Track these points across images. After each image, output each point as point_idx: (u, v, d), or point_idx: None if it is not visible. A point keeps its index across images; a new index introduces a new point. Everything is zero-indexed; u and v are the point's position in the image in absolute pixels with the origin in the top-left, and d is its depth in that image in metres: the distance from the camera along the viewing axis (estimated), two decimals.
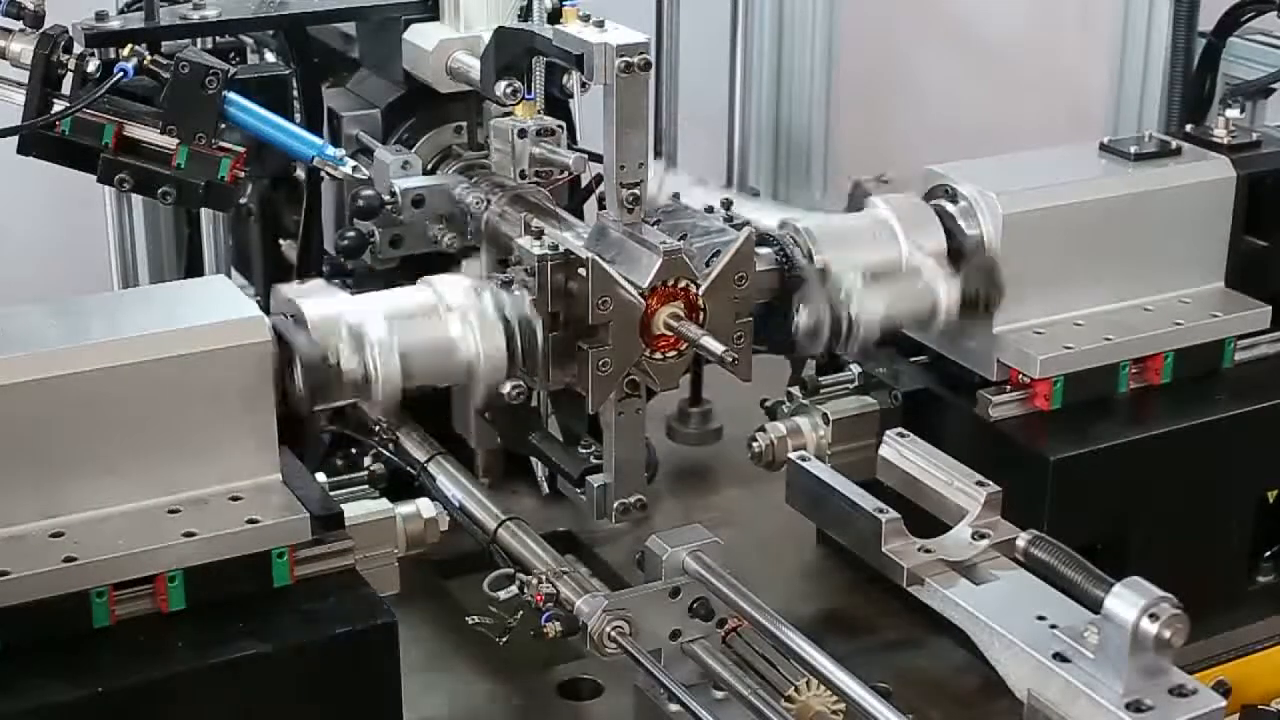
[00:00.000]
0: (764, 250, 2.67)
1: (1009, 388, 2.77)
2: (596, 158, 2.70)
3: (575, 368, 2.54)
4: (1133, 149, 2.94)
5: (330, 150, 2.58)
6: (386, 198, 2.97)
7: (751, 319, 2.62)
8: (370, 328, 2.38)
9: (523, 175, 2.75)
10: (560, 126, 2.80)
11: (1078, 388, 2.77)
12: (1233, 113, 3.07)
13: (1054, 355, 2.75)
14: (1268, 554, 2.97)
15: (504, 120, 2.83)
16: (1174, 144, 2.98)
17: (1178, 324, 2.86)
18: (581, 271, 2.48)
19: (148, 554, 2.16)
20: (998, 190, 2.77)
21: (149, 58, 2.52)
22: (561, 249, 2.52)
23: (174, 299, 2.40)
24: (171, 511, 2.23)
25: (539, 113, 2.83)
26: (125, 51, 2.52)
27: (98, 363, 2.17)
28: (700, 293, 2.53)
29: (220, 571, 2.20)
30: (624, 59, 2.49)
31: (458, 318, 2.46)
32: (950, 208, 2.78)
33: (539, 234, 2.55)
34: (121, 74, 2.49)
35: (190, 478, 2.25)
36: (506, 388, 2.74)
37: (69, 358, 2.16)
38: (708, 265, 2.55)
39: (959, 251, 2.75)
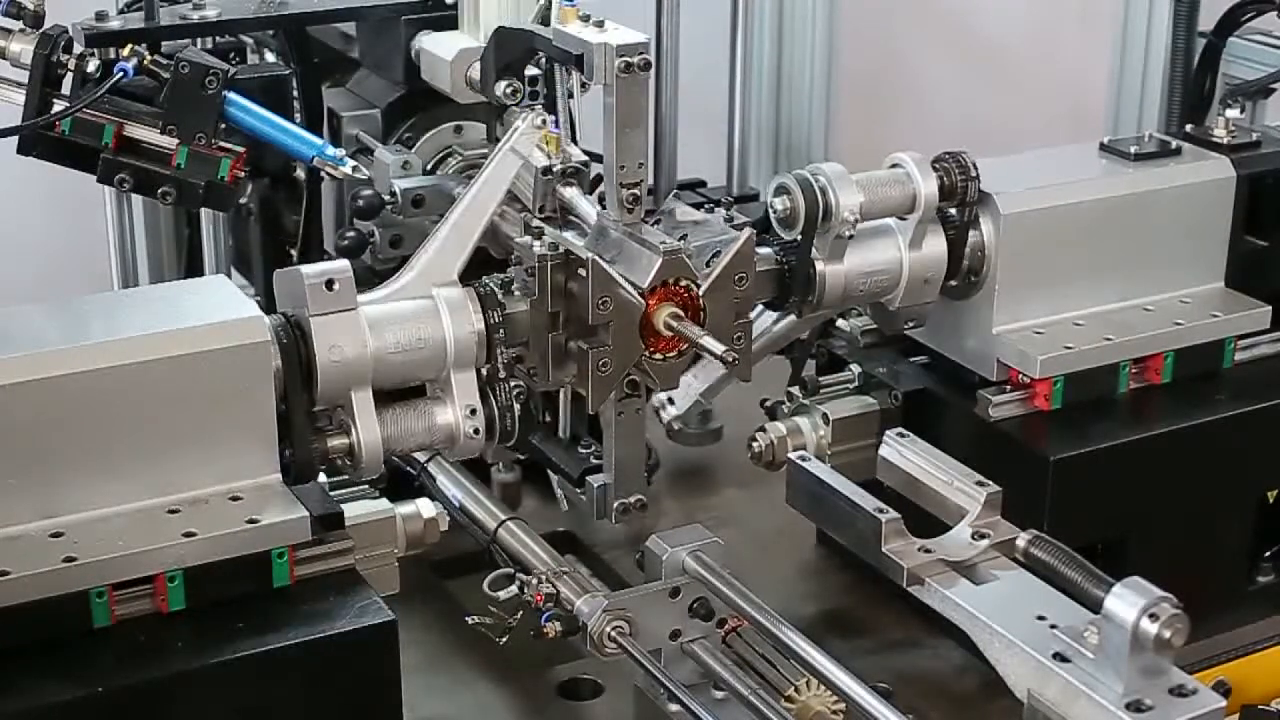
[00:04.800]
0: (764, 250, 2.67)
1: (1009, 388, 2.77)
2: (597, 158, 2.70)
3: (574, 367, 2.54)
4: (1133, 149, 2.94)
5: (330, 150, 2.58)
6: (386, 198, 2.97)
7: (751, 319, 2.62)
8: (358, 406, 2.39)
9: (541, 210, 2.71)
10: (586, 165, 2.72)
11: (1078, 388, 2.77)
12: (1233, 113, 3.07)
13: (1054, 355, 2.75)
14: (1268, 554, 2.97)
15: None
16: (1174, 144, 2.98)
17: (1178, 324, 2.86)
18: (581, 271, 2.48)
19: (147, 554, 2.16)
20: (998, 190, 2.77)
21: (149, 58, 2.52)
22: (561, 249, 2.52)
23: (174, 299, 2.39)
24: (171, 511, 2.23)
25: (564, 149, 2.71)
26: (125, 51, 2.52)
27: (98, 363, 2.17)
28: (700, 293, 2.53)
29: (220, 572, 2.20)
30: (624, 59, 2.48)
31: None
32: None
33: (539, 234, 2.54)
34: (121, 74, 2.49)
35: (190, 478, 2.25)
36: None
37: (69, 358, 2.16)
38: (708, 265, 2.55)
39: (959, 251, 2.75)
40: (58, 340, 2.20)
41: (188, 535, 2.18)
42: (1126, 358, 2.82)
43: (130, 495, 2.22)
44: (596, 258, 2.47)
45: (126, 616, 2.16)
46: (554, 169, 2.68)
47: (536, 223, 2.59)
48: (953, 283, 2.78)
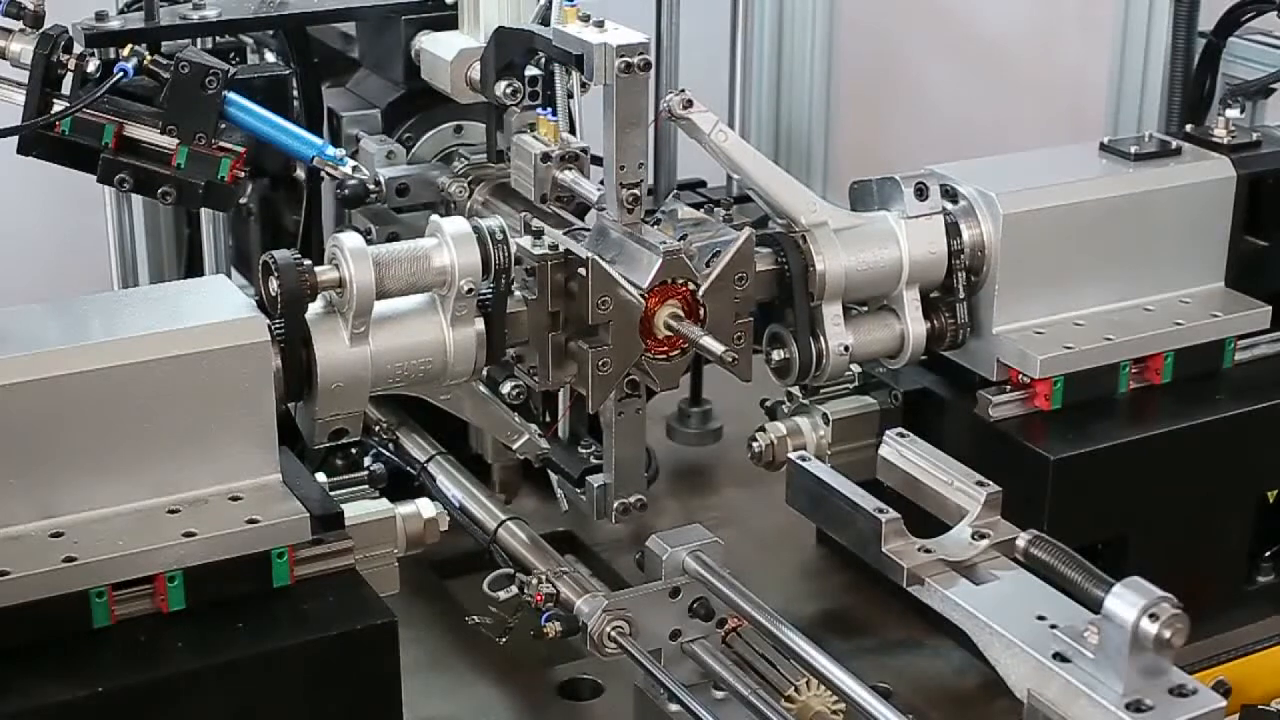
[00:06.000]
0: (763, 250, 2.67)
1: (1008, 388, 2.77)
2: (596, 160, 2.70)
3: (575, 367, 2.54)
4: (1133, 149, 2.94)
5: (330, 150, 2.58)
6: (371, 186, 2.96)
7: (752, 319, 2.62)
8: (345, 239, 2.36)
9: (543, 199, 2.73)
10: (585, 150, 2.74)
11: (1078, 388, 2.77)
12: (1233, 113, 3.07)
13: (1054, 355, 2.75)
14: (1268, 554, 2.97)
15: (528, 140, 2.76)
16: (1174, 144, 2.98)
17: (1178, 324, 2.86)
18: (581, 271, 2.48)
19: (147, 554, 2.16)
20: (998, 190, 2.77)
21: (149, 58, 2.52)
22: (561, 249, 2.52)
23: (173, 299, 2.39)
24: (171, 511, 2.23)
25: (562, 136, 2.74)
26: (125, 51, 2.51)
27: (98, 363, 2.17)
28: (700, 293, 2.53)
29: (220, 571, 2.19)
30: (624, 59, 2.48)
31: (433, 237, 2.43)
32: (950, 207, 2.78)
33: (539, 234, 2.55)
34: (121, 74, 2.49)
35: (190, 477, 2.25)
36: (507, 388, 2.74)
37: (69, 358, 2.16)
38: (708, 265, 2.55)
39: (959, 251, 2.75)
40: (57, 340, 2.20)
41: (188, 535, 2.18)
42: (1127, 358, 2.82)
43: (130, 495, 2.22)
44: (596, 258, 2.47)
45: (126, 616, 2.17)
46: (552, 154, 2.69)
47: (536, 223, 2.59)
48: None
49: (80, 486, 2.19)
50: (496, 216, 2.48)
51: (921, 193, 2.72)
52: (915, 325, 2.74)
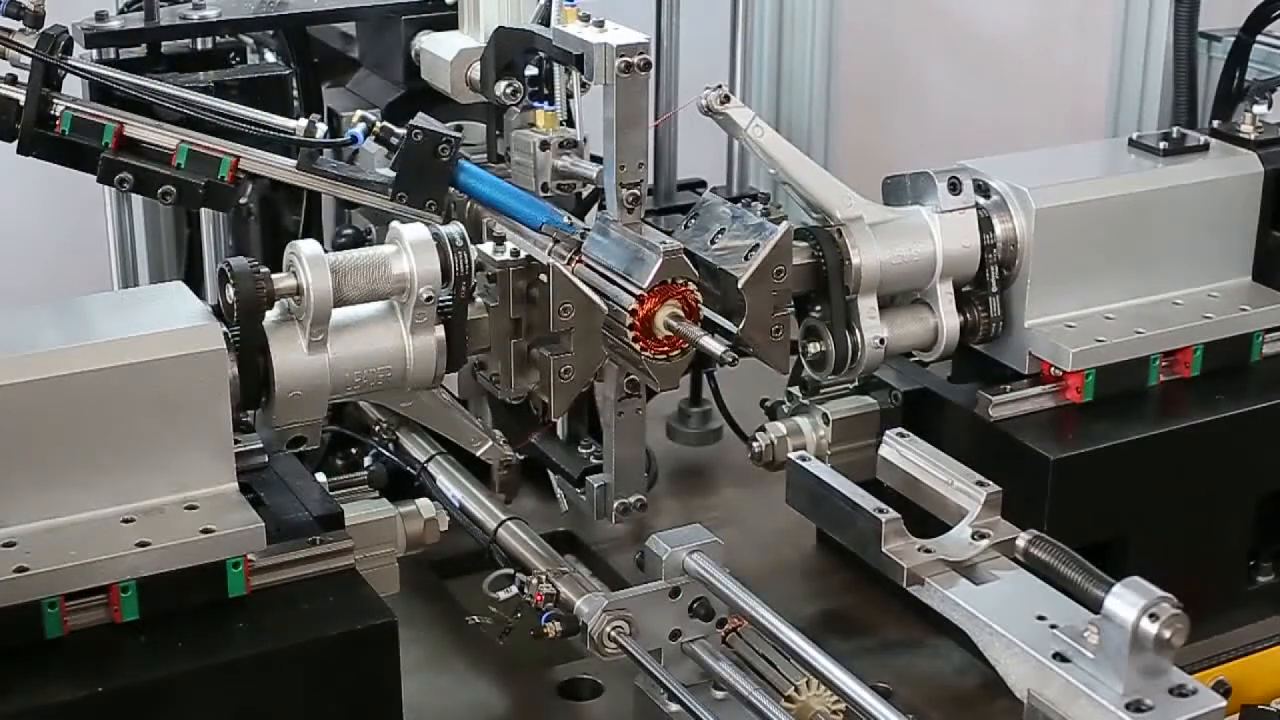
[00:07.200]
0: (800, 244, 2.68)
1: (1009, 387, 2.78)
2: (596, 159, 2.70)
3: (537, 375, 2.54)
4: (1161, 145, 2.97)
5: (558, 217, 2.55)
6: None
7: (790, 311, 2.64)
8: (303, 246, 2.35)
9: (544, 189, 2.73)
10: (584, 138, 2.76)
11: (1109, 381, 2.78)
12: (1260, 109, 3.07)
13: (1086, 349, 2.76)
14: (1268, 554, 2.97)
15: (525, 132, 2.78)
16: (1202, 140, 3.00)
17: (1207, 318, 2.88)
18: (543, 278, 2.48)
19: (100, 564, 2.13)
20: (1030, 185, 2.78)
21: (378, 124, 2.48)
22: (523, 255, 2.52)
23: (129, 306, 2.38)
24: (126, 521, 2.20)
25: (561, 123, 2.77)
26: (354, 118, 2.48)
27: (50, 370, 2.14)
28: (740, 284, 2.54)
29: (174, 581, 2.16)
30: (624, 59, 2.49)
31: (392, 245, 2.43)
32: (983, 202, 2.80)
33: (500, 240, 2.54)
34: (352, 140, 2.47)
35: (145, 486, 2.22)
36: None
37: (20, 365, 2.14)
38: (746, 259, 2.56)
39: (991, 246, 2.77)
40: (9, 347, 2.17)
41: (141, 545, 2.16)
42: (1157, 351, 2.83)
43: (84, 504, 2.19)
44: (557, 264, 2.47)
45: (80, 627, 2.14)
46: (550, 141, 2.71)
47: (499, 229, 2.59)
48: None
49: (34, 496, 2.16)
50: (456, 223, 2.47)
51: (955, 187, 2.74)
52: (949, 319, 2.76)
